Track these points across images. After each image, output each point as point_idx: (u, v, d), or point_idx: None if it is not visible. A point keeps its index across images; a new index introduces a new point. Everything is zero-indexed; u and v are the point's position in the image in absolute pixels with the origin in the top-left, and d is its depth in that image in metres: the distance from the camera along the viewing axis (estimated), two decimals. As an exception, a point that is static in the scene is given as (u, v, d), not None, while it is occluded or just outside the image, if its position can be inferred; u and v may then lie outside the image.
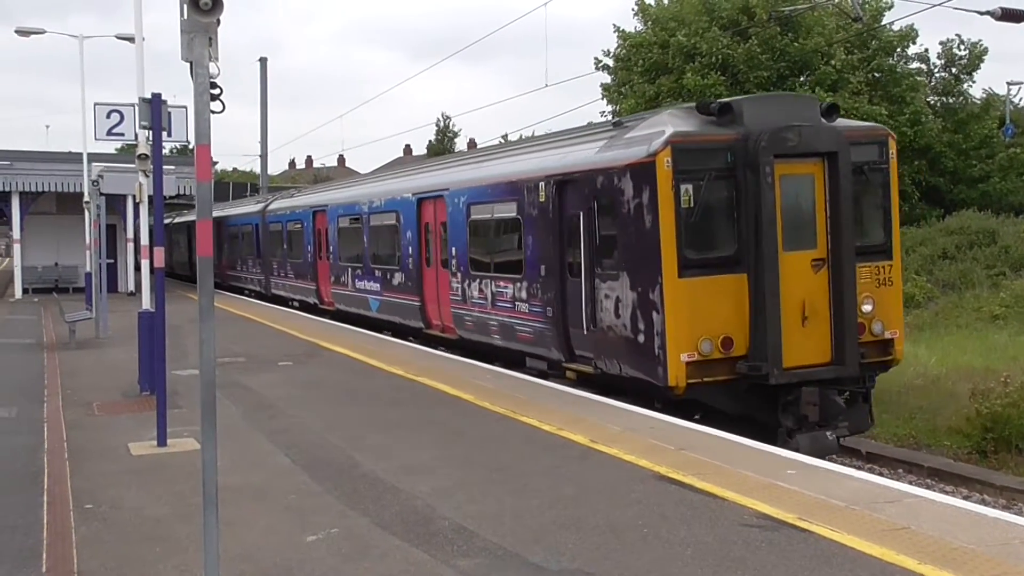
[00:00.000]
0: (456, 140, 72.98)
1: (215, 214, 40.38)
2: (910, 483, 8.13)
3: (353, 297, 22.62)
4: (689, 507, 7.23)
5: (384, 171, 40.27)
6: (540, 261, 13.69)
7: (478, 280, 15.89)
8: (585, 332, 12.51)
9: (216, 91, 5.46)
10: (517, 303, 14.41)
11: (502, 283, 14.96)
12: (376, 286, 20.71)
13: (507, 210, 14.94)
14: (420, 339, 18.53)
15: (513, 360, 14.91)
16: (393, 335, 19.70)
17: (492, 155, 17.81)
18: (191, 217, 46.71)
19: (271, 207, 31.27)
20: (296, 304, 28.07)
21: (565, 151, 13.75)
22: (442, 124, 73.05)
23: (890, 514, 6.89)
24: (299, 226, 26.95)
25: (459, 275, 16.58)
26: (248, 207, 35.97)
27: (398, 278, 19.42)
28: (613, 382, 12.13)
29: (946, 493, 7.90)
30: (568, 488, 7.85)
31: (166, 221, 45.02)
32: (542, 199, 13.55)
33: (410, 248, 18.80)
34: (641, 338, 11.31)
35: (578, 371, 12.92)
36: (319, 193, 28.46)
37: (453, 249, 16.78)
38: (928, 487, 8.28)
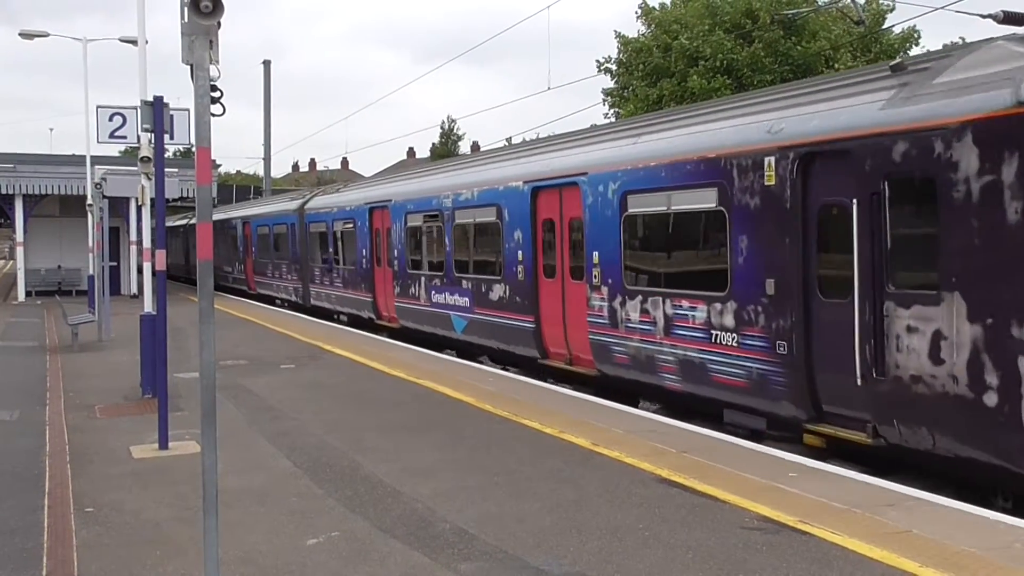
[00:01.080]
0: (460, 143, 73.10)
1: (239, 213, 35.15)
2: (911, 486, 8.08)
3: (427, 313, 18.72)
4: (690, 510, 7.22)
5: (387, 174, 36.74)
6: (763, 272, 9.94)
7: (639, 298, 12.06)
8: (858, 381, 8.75)
9: (217, 94, 5.46)
10: (716, 332, 10.63)
11: (687, 303, 11.15)
12: (464, 301, 16.97)
13: (698, 199, 11.01)
14: (530, 370, 14.92)
15: (691, 409, 11.48)
16: (490, 362, 16.45)
17: (659, 123, 12.91)
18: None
19: (312, 204, 27.41)
20: (344, 319, 24.40)
21: (808, 111, 9.82)
22: (447, 127, 73.20)
23: (891, 517, 6.87)
24: (350, 226, 23.21)
25: (605, 290, 12.74)
26: (280, 204, 32.00)
27: (499, 291, 15.68)
28: (907, 457, 8.64)
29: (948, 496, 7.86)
30: (569, 491, 7.84)
31: (183, 222, 44.78)
32: (770, 181, 9.82)
33: (519, 253, 14.98)
34: (992, 399, 7.64)
35: (832, 436, 9.27)
36: (376, 185, 24.07)
37: (595, 254, 12.94)
38: (930, 490, 8.23)
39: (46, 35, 29.25)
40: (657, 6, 36.35)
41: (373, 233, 21.76)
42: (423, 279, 18.82)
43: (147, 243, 14.13)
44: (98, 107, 13.92)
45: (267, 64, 44.32)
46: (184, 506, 7.60)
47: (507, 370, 15.48)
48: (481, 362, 16.40)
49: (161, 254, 10.87)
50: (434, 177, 19.69)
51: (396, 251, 20.24)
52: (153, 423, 10.15)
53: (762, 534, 6.61)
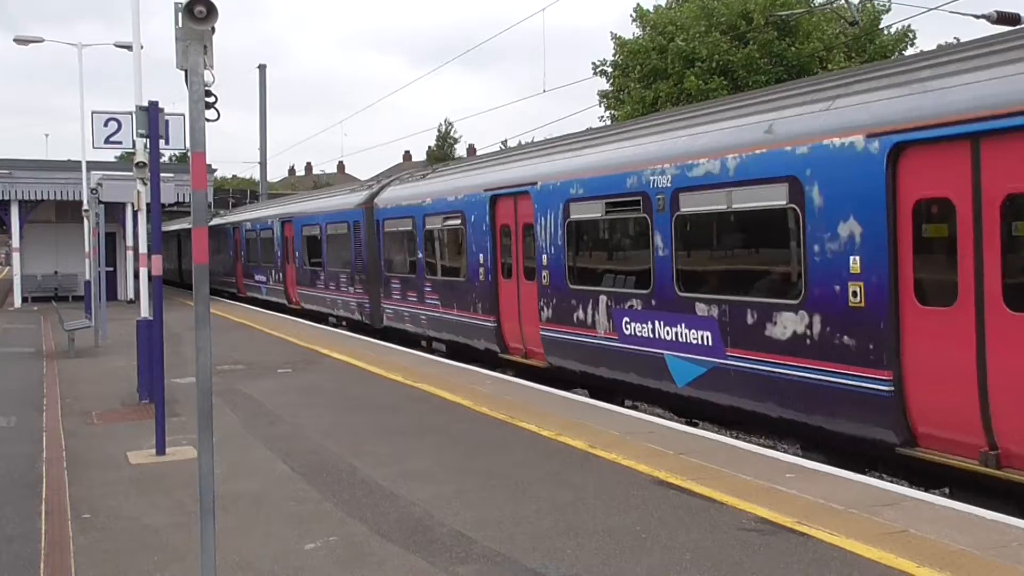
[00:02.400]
0: (456, 146, 73.13)
1: (275, 211, 30.70)
2: (908, 486, 8.09)
3: (601, 352, 12.82)
4: (688, 512, 7.23)
5: (383, 178, 35.77)
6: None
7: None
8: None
9: (211, 99, 5.46)
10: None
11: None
12: (702, 336, 10.87)
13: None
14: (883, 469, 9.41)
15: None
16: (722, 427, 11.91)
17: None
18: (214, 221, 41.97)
19: (387, 196, 21.49)
20: (443, 347, 18.44)
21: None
22: (443, 130, 73.23)
23: (889, 517, 6.88)
24: (455, 222, 17.36)
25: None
26: (335, 199, 26.13)
27: (781, 320, 9.72)
28: None
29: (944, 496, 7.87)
30: (567, 494, 7.85)
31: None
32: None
33: (859, 256, 8.83)
34: None
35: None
36: (502, 165, 16.76)
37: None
38: (926, 490, 8.24)
39: (41, 41, 29.25)
40: (652, 9, 36.45)
41: (497, 231, 15.94)
42: (602, 300, 12.77)
43: (143, 248, 14.10)
44: (93, 113, 13.91)
45: (263, 68, 44.35)
46: (181, 511, 7.59)
47: (504, 372, 15.48)
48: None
49: (157, 259, 10.86)
50: (624, 146, 12.84)
51: (551, 255, 14.00)
52: (150, 429, 10.14)
53: (759, 535, 6.62)
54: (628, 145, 12.75)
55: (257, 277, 33.64)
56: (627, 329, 12.25)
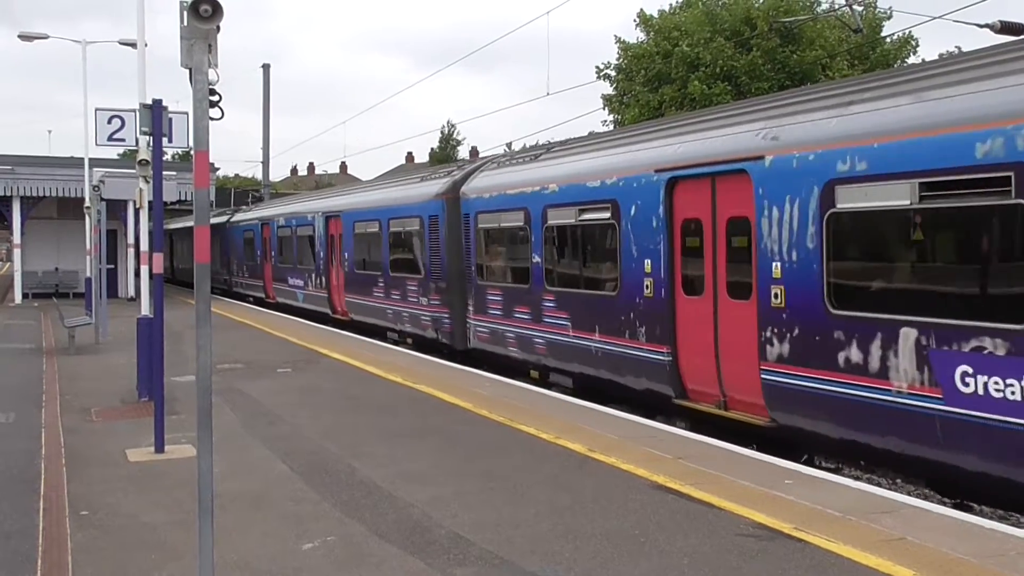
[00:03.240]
0: (459, 148, 73.16)
1: (317, 204, 26.97)
2: (907, 493, 8.09)
3: (901, 417, 8.59)
4: (686, 516, 7.23)
5: (385, 178, 33.71)
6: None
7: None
8: None
9: (215, 98, 5.47)
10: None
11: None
12: None
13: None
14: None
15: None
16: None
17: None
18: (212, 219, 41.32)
19: (479, 183, 16.91)
20: (566, 382, 14.08)
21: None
22: (447, 131, 73.22)
23: (887, 524, 6.88)
24: (599, 216, 13.01)
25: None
26: (400, 189, 21.29)
27: None
28: None
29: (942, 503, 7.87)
30: (565, 497, 7.85)
31: (221, 220, 39.01)
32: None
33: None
34: None
35: None
36: (674, 135, 12.28)
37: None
38: (925, 497, 8.24)
39: (45, 37, 29.27)
40: (656, 13, 36.49)
41: (676, 228, 11.69)
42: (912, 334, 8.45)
43: (145, 246, 14.11)
44: (97, 110, 13.93)
45: (266, 68, 44.38)
46: (180, 510, 7.59)
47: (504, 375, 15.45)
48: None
49: (158, 257, 10.87)
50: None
51: (790, 263, 9.80)
52: (149, 426, 10.15)
53: (757, 541, 6.62)
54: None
55: (292, 281, 28.80)
56: (968, 385, 7.93)
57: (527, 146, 21.18)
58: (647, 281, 11.99)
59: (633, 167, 12.40)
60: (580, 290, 13.60)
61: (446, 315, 18.00)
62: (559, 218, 14.06)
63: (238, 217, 37.31)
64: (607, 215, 12.84)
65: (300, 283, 28.07)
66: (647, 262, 11.99)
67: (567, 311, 13.77)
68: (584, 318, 13.33)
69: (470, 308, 17.00)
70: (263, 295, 33.16)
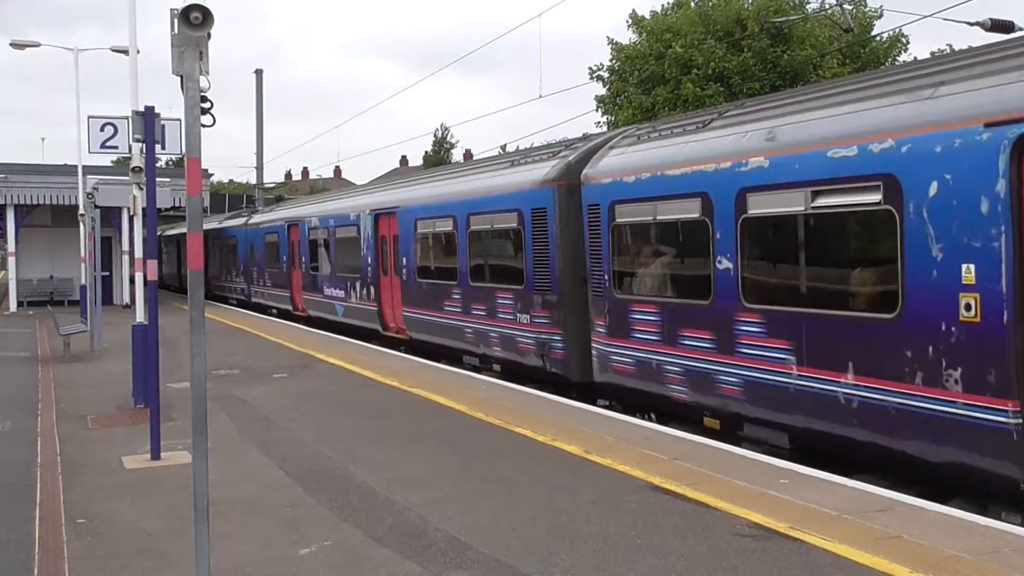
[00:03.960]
0: (453, 151, 73.18)
1: (363, 199, 23.32)
2: (902, 492, 8.10)
3: None
4: (682, 517, 7.24)
5: (380, 182, 33.52)
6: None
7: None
8: None
9: (207, 104, 5.48)
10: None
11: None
12: None
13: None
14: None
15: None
16: None
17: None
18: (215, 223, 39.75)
19: (614, 163, 12.86)
20: (781, 440, 9.98)
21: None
22: (441, 134, 73.24)
23: (882, 523, 6.90)
24: (864, 200, 8.79)
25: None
26: (487, 176, 16.84)
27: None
28: None
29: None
30: (562, 499, 7.86)
31: (222, 224, 37.68)
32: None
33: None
34: None
35: None
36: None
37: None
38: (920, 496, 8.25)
39: (37, 45, 29.29)
40: (648, 15, 36.53)
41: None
42: None
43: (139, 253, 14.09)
44: (89, 117, 13.91)
45: (259, 73, 44.39)
46: (176, 517, 7.58)
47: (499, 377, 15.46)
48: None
49: (152, 264, 10.87)
50: None
51: None
52: (145, 433, 10.14)
53: (753, 541, 6.63)
54: None
55: (330, 291, 24.82)
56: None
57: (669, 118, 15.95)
58: (967, 297, 7.85)
59: (931, 121, 8.22)
60: (811, 309, 9.40)
61: (557, 337, 14.23)
62: (769, 206, 9.92)
63: (259, 218, 33.20)
64: (874, 197, 8.61)
65: (340, 294, 23.88)
66: (966, 268, 7.87)
67: (786, 338, 9.65)
68: (823, 351, 9.24)
69: (600, 329, 12.90)
70: (290, 307, 28.99)
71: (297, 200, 35.57)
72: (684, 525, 7.04)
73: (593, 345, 13.09)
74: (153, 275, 10.88)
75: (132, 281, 18.45)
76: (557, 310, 14.23)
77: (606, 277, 12.73)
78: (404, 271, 19.77)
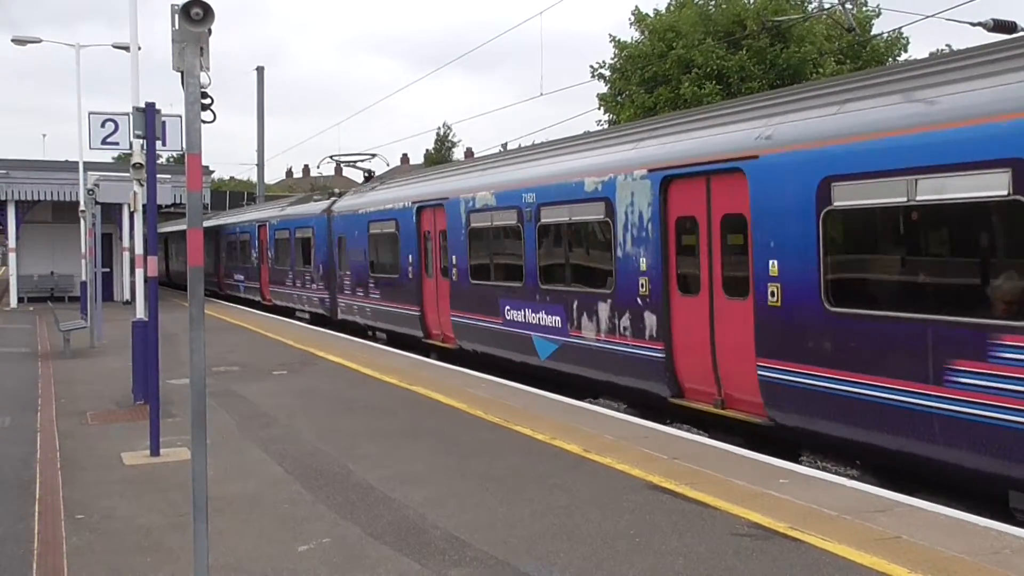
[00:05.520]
0: (454, 150, 73.16)
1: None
2: (902, 492, 8.10)
3: None
4: (681, 516, 7.24)
5: (387, 179, 32.47)
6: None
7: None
8: None
9: (207, 101, 5.48)
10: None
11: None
12: None
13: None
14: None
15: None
16: None
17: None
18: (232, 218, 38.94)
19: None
20: None
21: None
22: (442, 132, 73.25)
23: (882, 523, 6.89)
24: None
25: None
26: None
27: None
28: None
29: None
30: (561, 497, 7.85)
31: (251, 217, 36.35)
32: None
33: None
34: None
35: None
36: None
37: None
38: (920, 496, 8.25)
39: (39, 41, 29.26)
40: (651, 13, 36.51)
41: None
42: None
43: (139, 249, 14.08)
44: (90, 113, 13.88)
45: (260, 70, 44.40)
46: (175, 513, 7.58)
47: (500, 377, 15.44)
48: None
49: (153, 260, 10.85)
50: None
51: None
52: (145, 429, 10.14)
53: (752, 540, 6.63)
54: None
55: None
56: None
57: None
58: None
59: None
60: None
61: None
62: None
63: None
64: None
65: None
66: None
67: None
68: None
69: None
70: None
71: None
72: (683, 524, 7.04)
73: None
74: (153, 271, 10.86)
75: (133, 275, 18.40)
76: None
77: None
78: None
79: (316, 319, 26.94)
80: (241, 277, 36.54)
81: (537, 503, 7.69)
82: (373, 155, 23.25)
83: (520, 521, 7.23)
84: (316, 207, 27.26)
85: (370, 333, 22.64)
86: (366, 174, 22.53)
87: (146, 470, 9.27)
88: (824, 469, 9.95)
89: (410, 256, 19.44)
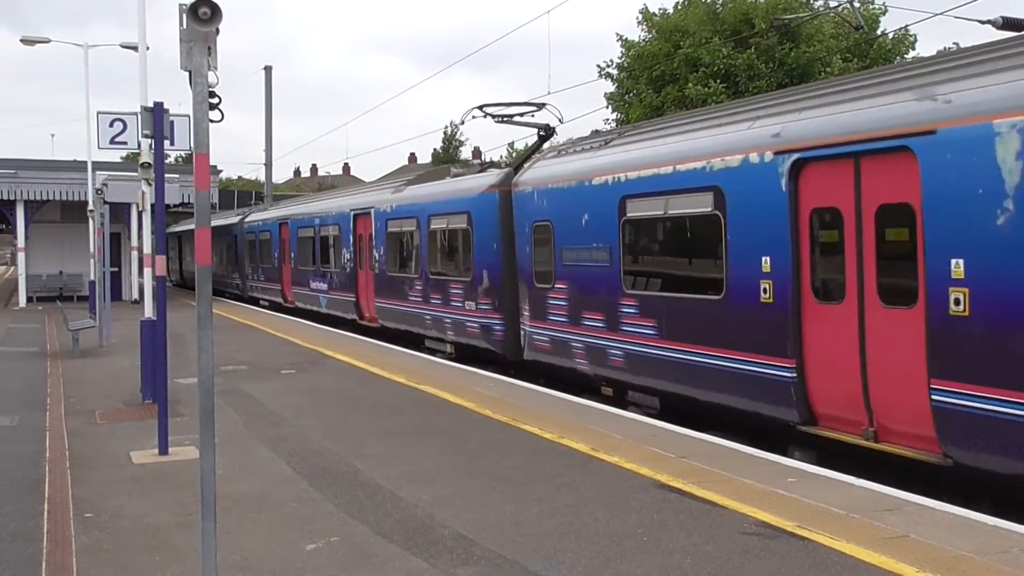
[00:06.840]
0: (461, 149, 73.17)
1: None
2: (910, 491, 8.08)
3: None
4: (689, 515, 7.23)
5: (390, 179, 30.77)
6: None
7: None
8: None
9: (215, 100, 5.48)
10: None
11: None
12: None
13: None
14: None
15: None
16: None
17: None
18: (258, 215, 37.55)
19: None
20: None
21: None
22: (450, 132, 73.24)
23: (890, 522, 6.88)
24: None
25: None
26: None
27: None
28: None
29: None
30: (569, 496, 7.85)
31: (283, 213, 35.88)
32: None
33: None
34: None
35: None
36: None
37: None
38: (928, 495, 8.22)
39: (47, 41, 29.32)
40: (658, 12, 36.46)
41: None
42: None
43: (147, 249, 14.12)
44: (99, 113, 13.96)
45: (268, 70, 44.43)
46: (184, 511, 7.60)
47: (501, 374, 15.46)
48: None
49: (161, 260, 10.88)
50: None
51: None
52: (153, 428, 10.17)
53: (760, 539, 6.62)
54: None
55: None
56: None
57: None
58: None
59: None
60: None
61: None
62: None
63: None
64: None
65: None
66: None
67: None
68: None
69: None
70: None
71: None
72: (691, 523, 7.03)
73: None
74: (161, 271, 10.89)
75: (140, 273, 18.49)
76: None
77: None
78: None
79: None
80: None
81: (545, 502, 7.69)
82: (542, 105, 17.17)
83: (528, 520, 7.23)
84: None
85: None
86: (540, 132, 17.00)
87: (154, 469, 9.29)
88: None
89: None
